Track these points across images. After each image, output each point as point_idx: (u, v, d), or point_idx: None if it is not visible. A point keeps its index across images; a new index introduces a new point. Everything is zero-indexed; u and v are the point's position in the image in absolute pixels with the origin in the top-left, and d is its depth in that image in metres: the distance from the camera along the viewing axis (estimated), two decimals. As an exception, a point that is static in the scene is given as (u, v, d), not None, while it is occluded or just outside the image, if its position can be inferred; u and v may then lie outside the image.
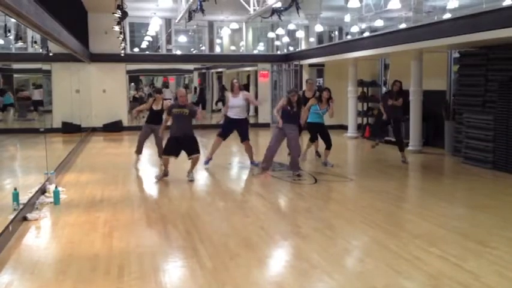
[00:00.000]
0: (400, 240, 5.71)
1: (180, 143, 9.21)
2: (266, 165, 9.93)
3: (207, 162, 10.72)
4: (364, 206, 7.61)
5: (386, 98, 11.37)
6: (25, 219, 6.52)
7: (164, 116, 10.05)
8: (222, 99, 23.55)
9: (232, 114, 10.50)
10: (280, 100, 10.39)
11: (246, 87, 25.90)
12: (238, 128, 10.58)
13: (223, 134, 10.62)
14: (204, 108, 23.84)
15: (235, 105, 10.45)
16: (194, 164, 9.42)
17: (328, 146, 10.77)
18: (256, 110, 22.24)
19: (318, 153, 11.80)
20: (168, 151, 9.28)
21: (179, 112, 9.28)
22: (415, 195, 8.97)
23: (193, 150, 9.30)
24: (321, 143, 11.25)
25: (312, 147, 11.63)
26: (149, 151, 12.12)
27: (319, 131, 10.88)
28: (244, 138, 10.58)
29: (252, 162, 10.69)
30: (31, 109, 11.68)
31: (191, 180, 9.28)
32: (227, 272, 4.75)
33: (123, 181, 9.42)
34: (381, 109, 11.46)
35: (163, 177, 9.38)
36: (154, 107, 10.66)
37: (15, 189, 6.54)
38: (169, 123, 9.59)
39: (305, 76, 19.45)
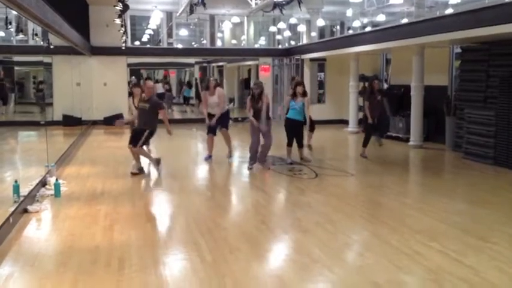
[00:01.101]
0: (400, 235, 5.70)
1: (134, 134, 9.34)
2: (253, 159, 9.97)
3: (207, 158, 10.85)
4: (365, 201, 7.62)
5: (372, 97, 11.15)
6: (26, 211, 6.53)
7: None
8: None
9: (212, 111, 10.64)
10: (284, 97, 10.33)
11: (246, 82, 25.92)
12: (220, 121, 10.72)
13: (212, 130, 10.78)
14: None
15: (212, 102, 10.60)
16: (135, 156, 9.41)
17: (300, 145, 10.50)
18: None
19: (309, 147, 11.71)
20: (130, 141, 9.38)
21: (141, 106, 9.29)
22: (415, 190, 8.96)
23: (135, 142, 9.23)
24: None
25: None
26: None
27: (295, 130, 10.39)
28: (222, 126, 10.76)
29: (229, 155, 10.94)
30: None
31: (133, 173, 9.27)
32: (227, 265, 4.75)
33: (124, 174, 9.42)
34: (367, 113, 11.09)
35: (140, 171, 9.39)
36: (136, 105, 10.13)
37: (16, 181, 6.54)
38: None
39: (306, 70, 19.43)
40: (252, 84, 10.42)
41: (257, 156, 9.98)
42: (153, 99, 9.40)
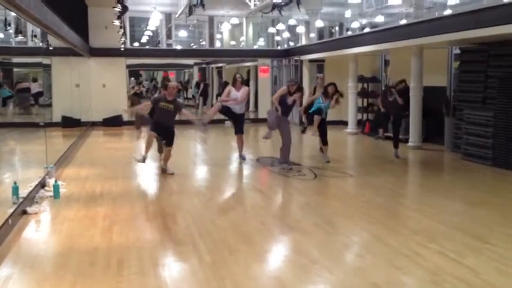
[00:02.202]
0: (399, 236, 5.71)
1: (162, 130, 9.38)
2: (285, 160, 9.96)
3: (243, 158, 10.79)
4: (364, 202, 7.61)
5: (386, 94, 11.38)
6: (25, 212, 6.52)
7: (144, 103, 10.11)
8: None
9: (235, 108, 10.54)
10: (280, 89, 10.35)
11: (245, 83, 25.89)
12: (234, 120, 10.72)
13: (239, 130, 10.66)
14: (205, 104, 23.82)
15: (234, 97, 10.46)
16: (166, 157, 9.46)
17: (325, 142, 10.65)
18: (256, 104, 22.25)
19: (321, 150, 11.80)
20: (153, 128, 9.47)
21: (164, 107, 9.34)
22: (415, 191, 8.97)
23: (169, 143, 9.37)
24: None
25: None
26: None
27: (319, 125, 10.62)
28: (238, 131, 10.69)
29: (241, 156, 10.83)
30: (32, 103, 11.69)
31: (170, 173, 9.33)
32: (226, 266, 4.75)
33: (123, 176, 9.42)
34: (379, 104, 11.41)
35: (142, 160, 9.46)
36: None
37: (15, 182, 6.54)
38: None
39: (305, 71, 19.44)
40: (288, 81, 10.47)
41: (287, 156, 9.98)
42: (177, 100, 9.73)
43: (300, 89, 9.95)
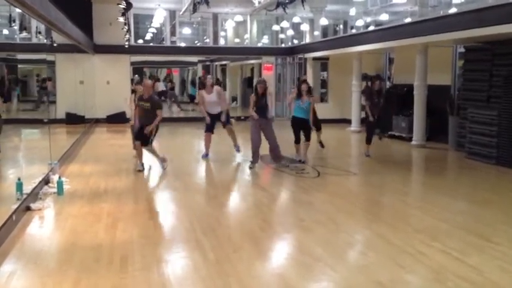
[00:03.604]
0: (403, 234, 5.70)
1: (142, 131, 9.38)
2: (255, 158, 9.96)
3: (205, 156, 10.96)
4: (367, 200, 7.61)
5: (372, 97, 11.16)
6: (28, 209, 6.54)
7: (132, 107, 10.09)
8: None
9: (211, 110, 10.72)
10: (290, 93, 10.30)
11: (249, 80, 25.91)
12: (218, 119, 10.84)
13: (209, 129, 10.87)
14: None
15: (211, 101, 10.68)
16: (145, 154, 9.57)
17: (307, 138, 10.42)
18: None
19: (321, 144, 11.88)
20: (135, 137, 9.64)
21: (142, 105, 9.37)
22: (418, 189, 8.95)
23: (145, 140, 9.39)
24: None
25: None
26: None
27: (302, 127, 10.32)
28: (225, 124, 10.89)
29: (235, 145, 11.07)
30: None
31: (139, 170, 9.39)
32: (230, 264, 4.75)
33: (127, 172, 9.43)
34: (367, 111, 11.16)
35: (141, 167, 9.48)
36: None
37: (19, 179, 6.55)
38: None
39: (309, 69, 19.43)
40: (255, 83, 10.38)
41: (259, 157, 9.98)
42: (154, 98, 9.54)
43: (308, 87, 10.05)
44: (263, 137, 9.94)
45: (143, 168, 9.48)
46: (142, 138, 9.31)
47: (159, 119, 9.35)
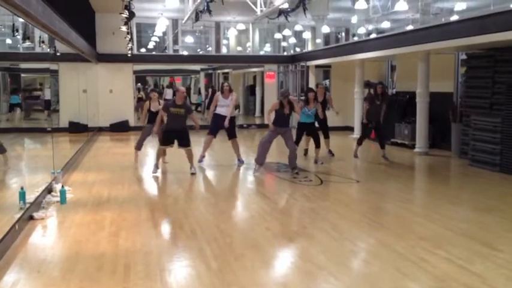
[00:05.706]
0: (406, 242, 5.68)
1: (174, 135, 9.74)
2: (260, 160, 10.01)
3: (200, 161, 11.03)
4: (370, 208, 7.60)
5: (373, 101, 11.68)
6: (31, 218, 6.54)
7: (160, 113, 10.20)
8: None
9: (221, 110, 10.91)
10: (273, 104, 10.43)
11: (252, 88, 25.94)
12: (228, 130, 10.98)
13: (213, 131, 11.06)
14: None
15: (225, 104, 10.89)
16: (190, 157, 9.90)
17: (317, 144, 11.22)
18: (262, 110, 22.26)
19: (331, 153, 12.14)
20: (163, 142, 9.92)
21: (176, 112, 9.64)
22: (421, 197, 8.93)
23: (185, 143, 9.80)
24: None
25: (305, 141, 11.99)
26: (150, 150, 12.23)
27: (310, 131, 11.28)
28: (231, 136, 11.05)
29: (239, 160, 11.11)
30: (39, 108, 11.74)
31: (193, 173, 9.79)
32: (232, 272, 4.74)
33: (130, 181, 9.44)
34: (363, 113, 11.93)
35: (156, 170, 9.88)
36: (153, 109, 10.84)
37: (22, 188, 6.56)
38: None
39: (311, 77, 19.45)
40: (280, 96, 10.57)
41: (264, 162, 10.06)
42: (187, 104, 10.15)
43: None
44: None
45: (158, 168, 9.94)
46: (184, 143, 9.77)
47: (196, 120, 10.28)
